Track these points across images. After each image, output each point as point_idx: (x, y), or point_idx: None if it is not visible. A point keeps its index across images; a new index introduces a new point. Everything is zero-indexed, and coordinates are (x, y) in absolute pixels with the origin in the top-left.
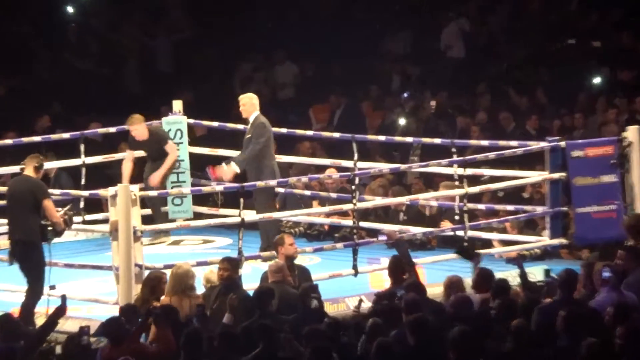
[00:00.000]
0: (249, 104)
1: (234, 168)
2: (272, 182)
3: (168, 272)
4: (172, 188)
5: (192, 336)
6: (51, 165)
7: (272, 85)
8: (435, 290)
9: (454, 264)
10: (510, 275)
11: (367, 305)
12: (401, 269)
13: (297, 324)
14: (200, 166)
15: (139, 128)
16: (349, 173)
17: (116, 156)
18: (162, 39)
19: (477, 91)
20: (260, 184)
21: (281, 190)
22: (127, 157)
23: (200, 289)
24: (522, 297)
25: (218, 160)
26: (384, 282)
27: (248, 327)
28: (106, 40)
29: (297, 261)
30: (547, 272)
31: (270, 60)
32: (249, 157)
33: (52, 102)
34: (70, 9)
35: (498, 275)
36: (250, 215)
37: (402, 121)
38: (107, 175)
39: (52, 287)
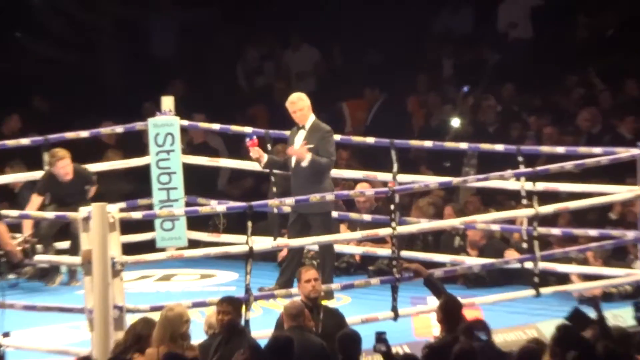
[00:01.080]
0: (305, 107)
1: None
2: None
3: (156, 314)
4: (160, 208)
5: None
6: (14, 178)
7: (285, 76)
8: (497, 337)
9: (520, 304)
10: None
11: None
12: (457, 311)
13: None
14: (196, 181)
15: (68, 164)
16: (386, 189)
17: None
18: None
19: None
20: (273, 202)
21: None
22: (34, 203)
23: (198, 336)
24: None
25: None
26: (432, 328)
27: None
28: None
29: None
30: (637, 307)
31: (283, 44)
32: (320, 166)
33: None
34: None
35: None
36: (260, 244)
37: (455, 122)
38: None
39: (6, 335)
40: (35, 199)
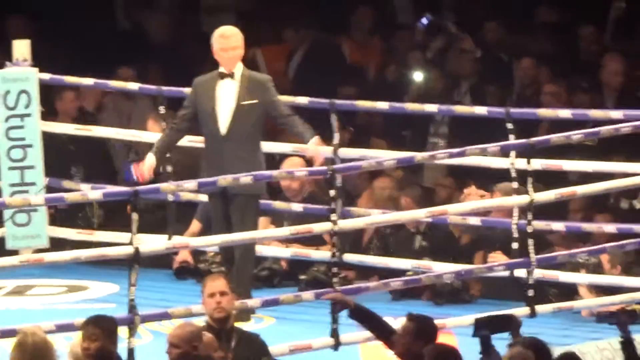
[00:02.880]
0: (240, 47)
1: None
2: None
3: (6, 342)
4: (11, 195)
5: None
6: None
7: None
8: None
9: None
10: (598, 348)
11: None
12: (432, 338)
13: None
14: (64, 159)
15: None
16: (324, 168)
17: None
18: None
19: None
20: (167, 187)
21: (204, 198)
22: None
23: None
24: None
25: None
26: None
27: None
28: None
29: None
30: None
31: None
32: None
33: None
34: None
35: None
36: (150, 244)
37: (418, 75)
38: None
39: None
40: None
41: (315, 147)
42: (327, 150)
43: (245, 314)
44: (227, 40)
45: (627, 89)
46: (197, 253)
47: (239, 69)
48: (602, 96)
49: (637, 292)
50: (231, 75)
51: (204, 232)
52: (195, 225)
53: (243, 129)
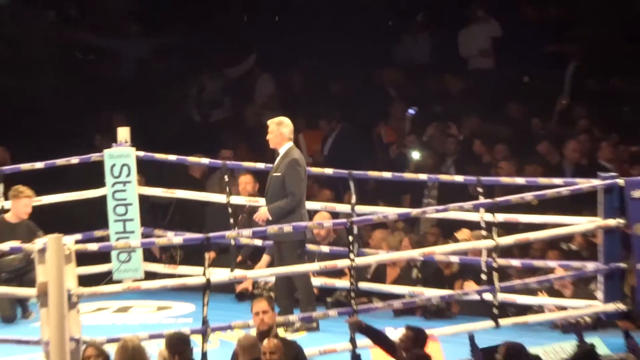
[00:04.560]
0: (276, 133)
1: (266, 214)
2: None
3: (112, 347)
4: (117, 240)
5: None
6: None
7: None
8: None
9: (480, 335)
10: (546, 351)
11: None
12: (420, 345)
13: None
14: (152, 211)
15: (30, 204)
16: (345, 220)
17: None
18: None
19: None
20: (230, 234)
21: (258, 243)
22: None
23: None
24: None
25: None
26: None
27: None
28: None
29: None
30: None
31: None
32: (282, 210)
33: None
34: None
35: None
36: (218, 275)
37: (415, 154)
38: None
39: None
40: None
41: (261, 211)
42: (346, 208)
43: (315, 323)
44: (267, 128)
45: (582, 162)
46: (255, 282)
47: (284, 149)
48: (562, 167)
49: (575, 311)
50: (277, 153)
51: (272, 264)
52: (265, 258)
53: (272, 192)
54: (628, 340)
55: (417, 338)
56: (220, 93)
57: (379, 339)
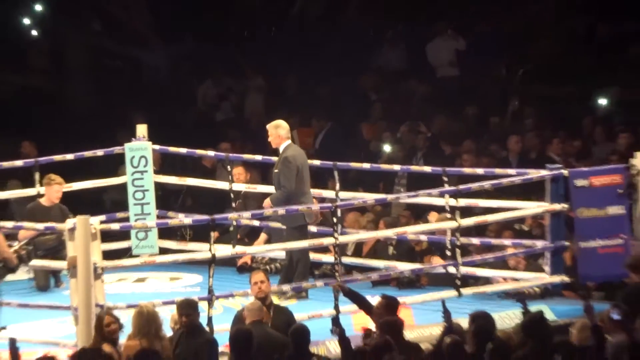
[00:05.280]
0: (275, 134)
1: (269, 202)
2: (246, 214)
3: (131, 312)
4: (136, 221)
5: None
6: (9, 194)
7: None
8: (424, 332)
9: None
10: (501, 317)
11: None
12: (392, 311)
13: None
14: (166, 197)
15: (61, 190)
16: (330, 205)
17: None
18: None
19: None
20: (232, 216)
21: (256, 223)
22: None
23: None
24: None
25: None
26: (369, 322)
27: None
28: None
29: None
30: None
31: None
32: (278, 200)
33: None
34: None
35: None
36: (222, 251)
37: (387, 148)
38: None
39: (3, 329)
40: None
41: (266, 200)
42: (331, 194)
43: (304, 293)
44: (268, 132)
45: (523, 153)
46: (253, 257)
47: (282, 147)
48: (507, 158)
49: (524, 282)
50: (277, 152)
51: (268, 241)
52: (262, 236)
53: (275, 185)
54: (584, 303)
55: (390, 305)
56: (223, 97)
57: (360, 300)
